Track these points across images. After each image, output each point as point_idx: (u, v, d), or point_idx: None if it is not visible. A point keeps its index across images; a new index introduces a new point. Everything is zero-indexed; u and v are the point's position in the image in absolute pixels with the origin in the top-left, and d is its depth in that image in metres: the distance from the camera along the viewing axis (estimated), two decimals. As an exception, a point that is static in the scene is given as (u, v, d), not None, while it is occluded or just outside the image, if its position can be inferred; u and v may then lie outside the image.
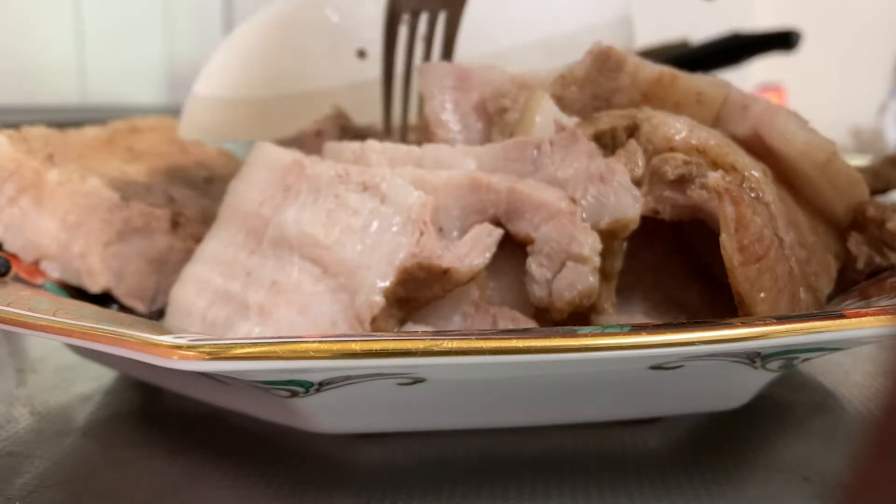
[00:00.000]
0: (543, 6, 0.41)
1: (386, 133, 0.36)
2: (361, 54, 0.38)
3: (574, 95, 0.29)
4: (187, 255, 0.32)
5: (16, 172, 0.32)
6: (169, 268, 0.32)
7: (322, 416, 0.22)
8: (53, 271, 0.31)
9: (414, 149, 0.28)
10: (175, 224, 0.33)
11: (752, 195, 0.24)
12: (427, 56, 0.36)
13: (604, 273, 0.25)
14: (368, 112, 0.37)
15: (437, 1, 0.35)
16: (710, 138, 0.26)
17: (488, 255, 0.24)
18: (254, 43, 0.39)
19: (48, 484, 0.21)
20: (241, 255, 0.26)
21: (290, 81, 0.38)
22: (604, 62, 0.29)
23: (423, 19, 0.35)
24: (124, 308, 0.32)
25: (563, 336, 0.18)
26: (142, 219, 0.32)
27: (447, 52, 0.36)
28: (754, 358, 0.21)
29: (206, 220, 0.33)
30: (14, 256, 0.31)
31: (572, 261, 0.24)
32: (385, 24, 0.34)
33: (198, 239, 0.32)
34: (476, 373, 0.20)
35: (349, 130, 0.35)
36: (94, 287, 0.31)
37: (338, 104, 0.35)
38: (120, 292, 0.32)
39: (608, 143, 0.27)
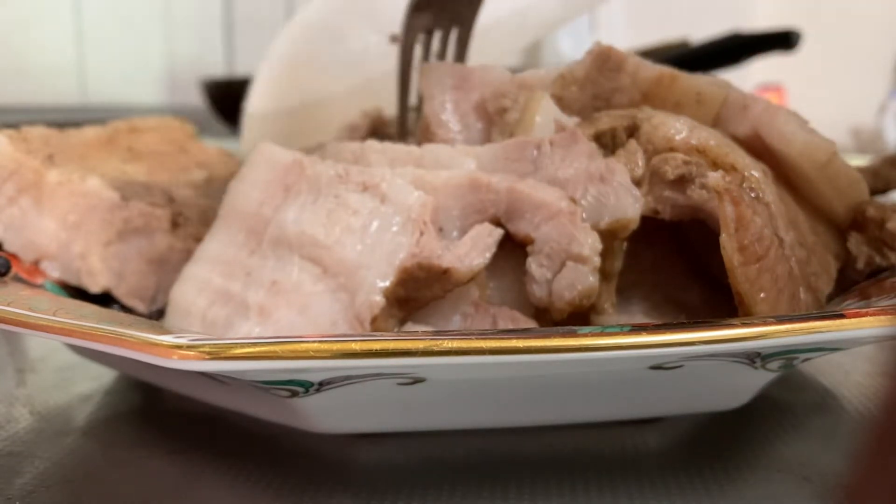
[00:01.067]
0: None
1: (402, 139, 0.36)
2: (394, 39, 0.38)
3: (574, 95, 0.29)
4: (187, 254, 0.32)
5: (16, 172, 0.32)
6: (169, 267, 0.32)
7: (322, 416, 0.22)
8: (53, 271, 0.31)
9: (414, 149, 0.28)
10: (175, 224, 0.33)
11: (752, 195, 0.24)
12: None
13: (604, 273, 0.25)
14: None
15: (449, 19, 0.35)
16: (710, 138, 0.26)
17: (488, 255, 0.24)
18: (291, 51, 0.40)
19: (48, 484, 0.21)
20: (241, 255, 0.26)
21: (331, 81, 0.39)
22: (604, 62, 0.29)
23: (437, 37, 0.35)
24: (125, 308, 0.32)
25: (563, 336, 0.18)
26: (142, 219, 0.32)
27: None
28: (754, 358, 0.21)
29: (206, 219, 0.33)
30: (14, 256, 0.31)
31: (572, 261, 0.24)
32: (402, 44, 0.35)
33: (198, 239, 0.32)
34: (476, 373, 0.20)
35: (381, 128, 0.35)
36: (95, 287, 0.31)
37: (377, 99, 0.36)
38: (120, 292, 0.32)
39: (608, 143, 0.27)
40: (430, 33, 0.35)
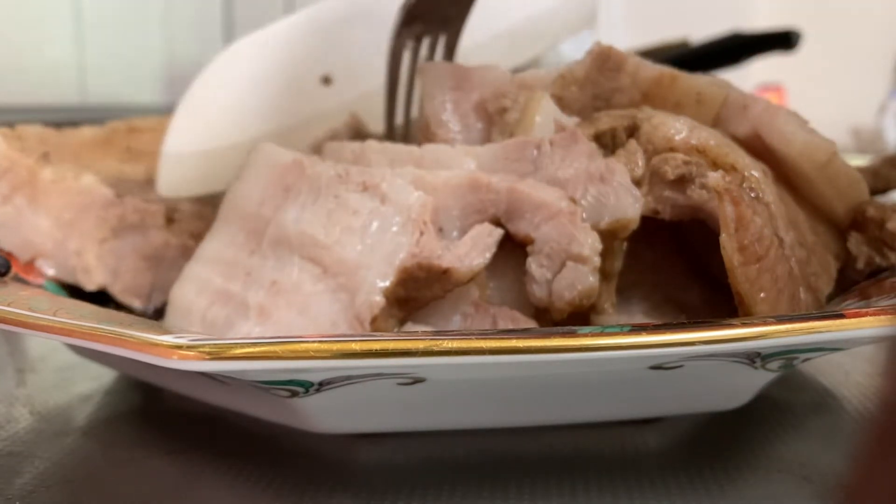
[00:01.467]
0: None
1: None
2: (326, 80, 0.38)
3: (574, 95, 0.29)
4: (183, 250, 0.32)
5: (10, 170, 0.32)
6: (165, 264, 0.32)
7: (322, 416, 0.22)
8: (49, 269, 0.31)
9: (414, 149, 0.28)
10: (170, 220, 0.33)
11: (752, 195, 0.24)
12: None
13: (604, 273, 0.25)
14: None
15: (438, 25, 0.35)
16: (710, 138, 0.26)
17: (488, 255, 0.24)
18: (215, 91, 0.39)
19: (48, 484, 0.21)
20: (242, 255, 0.26)
21: (257, 122, 0.38)
22: (604, 62, 0.29)
23: (425, 44, 0.35)
24: (120, 306, 0.32)
25: (563, 336, 0.18)
26: (136, 215, 0.32)
27: None
28: (754, 358, 0.21)
29: (202, 215, 0.33)
30: (11, 255, 0.31)
31: (572, 261, 0.24)
32: (390, 52, 0.35)
33: (193, 234, 0.32)
34: (476, 373, 0.20)
35: (363, 137, 0.35)
36: (90, 285, 0.31)
37: (333, 128, 0.35)
38: (116, 289, 0.31)
39: (608, 143, 0.27)
40: (418, 40, 0.35)
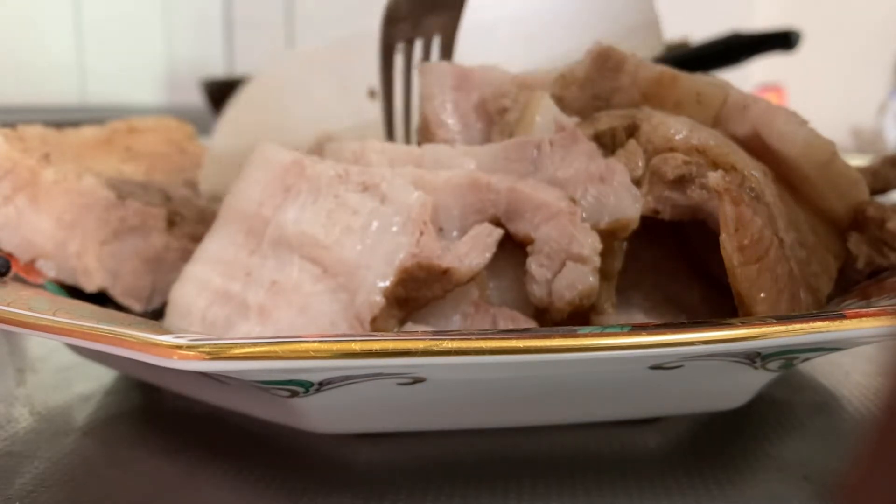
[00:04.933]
0: (561, 23, 0.42)
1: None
2: (372, 94, 0.40)
3: (574, 95, 0.29)
4: (183, 254, 0.32)
5: (11, 171, 0.32)
6: (165, 267, 0.32)
7: (322, 416, 0.22)
8: (49, 270, 0.31)
9: (414, 149, 0.28)
10: (171, 223, 0.33)
11: (752, 195, 0.24)
12: None
13: (604, 273, 0.25)
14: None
15: (430, 27, 0.35)
16: (710, 138, 0.26)
17: (488, 255, 0.24)
18: (264, 93, 0.41)
19: (48, 484, 0.21)
20: (241, 255, 0.26)
21: (302, 126, 0.40)
22: (604, 62, 0.29)
23: (418, 46, 0.36)
24: (120, 307, 0.32)
25: (563, 336, 0.18)
26: (138, 218, 0.32)
27: None
28: (754, 358, 0.21)
29: (203, 219, 0.33)
30: (11, 256, 0.31)
31: (572, 261, 0.24)
32: (380, 56, 0.35)
33: (194, 238, 0.32)
34: (476, 373, 0.20)
35: None
36: (90, 286, 0.31)
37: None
38: (116, 291, 0.31)
39: (608, 143, 0.27)
40: (410, 42, 0.35)
